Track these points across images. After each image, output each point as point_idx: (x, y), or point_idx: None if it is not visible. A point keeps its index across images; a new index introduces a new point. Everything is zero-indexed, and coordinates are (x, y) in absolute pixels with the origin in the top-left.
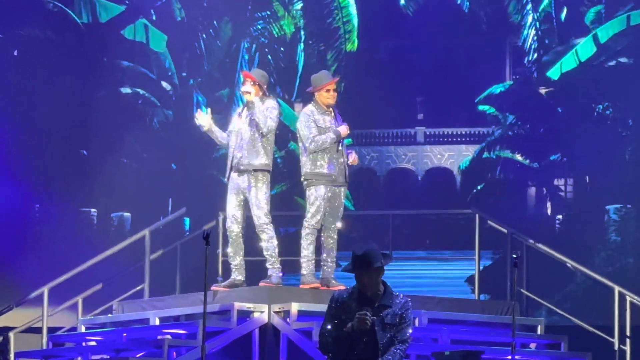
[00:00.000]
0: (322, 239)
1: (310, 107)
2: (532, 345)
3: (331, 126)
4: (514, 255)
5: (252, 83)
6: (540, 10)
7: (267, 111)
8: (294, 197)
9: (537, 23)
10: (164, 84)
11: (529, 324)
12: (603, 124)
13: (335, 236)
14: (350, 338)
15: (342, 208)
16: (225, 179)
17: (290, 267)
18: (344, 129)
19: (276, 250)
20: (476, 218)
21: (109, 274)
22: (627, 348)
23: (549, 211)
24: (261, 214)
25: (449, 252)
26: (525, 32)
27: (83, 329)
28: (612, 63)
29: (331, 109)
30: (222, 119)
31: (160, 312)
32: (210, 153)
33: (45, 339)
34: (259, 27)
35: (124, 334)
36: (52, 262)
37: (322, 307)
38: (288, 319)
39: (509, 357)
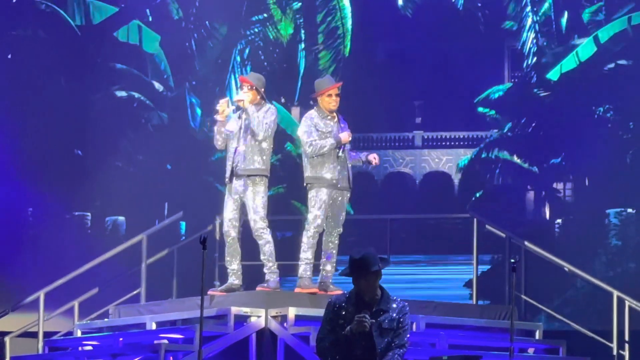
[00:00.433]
0: (323, 243)
1: (312, 111)
2: (531, 350)
3: (332, 131)
4: (512, 260)
5: (249, 87)
6: (540, 14)
7: (264, 117)
8: (291, 201)
9: (537, 26)
10: (159, 86)
11: (527, 329)
12: (603, 126)
13: (336, 241)
14: (347, 343)
15: (344, 213)
16: (225, 182)
17: (287, 271)
18: (345, 136)
19: (273, 255)
20: (474, 222)
21: (105, 278)
22: (626, 353)
23: (548, 215)
24: (258, 219)
25: (447, 257)
26: (525, 35)
27: (79, 334)
28: (613, 65)
29: (335, 114)
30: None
31: (157, 316)
32: (206, 157)
33: (41, 344)
34: (256, 29)
35: (121, 339)
36: (47, 266)
37: (320, 312)
38: (285, 324)
39: None
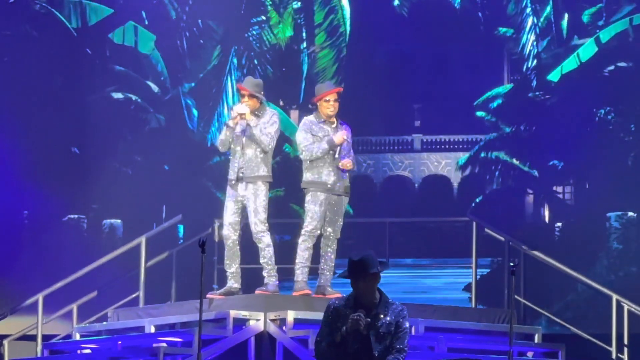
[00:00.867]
0: (321, 247)
1: (311, 116)
2: (530, 354)
3: (328, 136)
4: (512, 264)
5: (248, 95)
6: (542, 18)
7: (267, 127)
8: (289, 204)
9: (537, 29)
10: (156, 88)
11: (526, 333)
12: (605, 129)
13: (335, 246)
14: (345, 345)
15: (342, 219)
16: (230, 184)
17: (286, 274)
18: (338, 137)
19: (273, 258)
20: (473, 226)
21: (103, 282)
22: (625, 357)
23: (548, 218)
24: (258, 222)
25: (446, 260)
26: (525, 37)
27: (78, 337)
28: (614, 67)
29: (334, 119)
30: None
31: (156, 319)
32: (204, 159)
33: (40, 347)
34: (254, 32)
35: (119, 342)
36: (45, 269)
37: (318, 315)
38: (284, 327)
39: None
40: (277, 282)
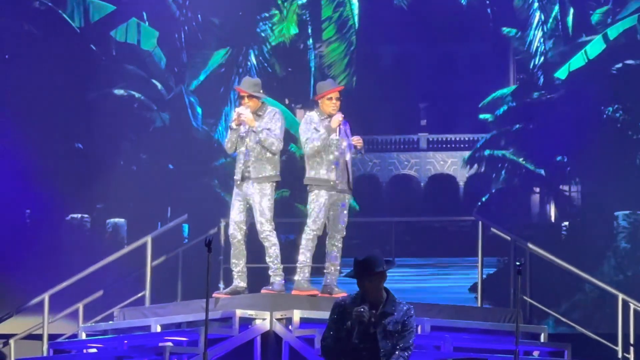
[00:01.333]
0: (327, 246)
1: (312, 113)
2: (536, 353)
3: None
4: (518, 263)
5: (248, 96)
6: (549, 16)
7: (273, 129)
8: (294, 204)
9: (544, 27)
10: (159, 86)
11: (532, 332)
12: (612, 127)
13: (340, 244)
14: (351, 344)
15: (346, 216)
16: (235, 184)
17: (292, 274)
18: (334, 120)
19: (279, 258)
20: (479, 225)
21: (109, 281)
22: (631, 356)
23: (555, 218)
24: (264, 221)
25: (452, 259)
26: (532, 33)
27: (84, 336)
28: (621, 64)
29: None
30: (217, 120)
31: (162, 319)
32: (209, 158)
33: (46, 346)
34: (259, 30)
35: (125, 341)
36: (49, 269)
37: (324, 315)
38: (290, 326)
39: None
40: (283, 281)
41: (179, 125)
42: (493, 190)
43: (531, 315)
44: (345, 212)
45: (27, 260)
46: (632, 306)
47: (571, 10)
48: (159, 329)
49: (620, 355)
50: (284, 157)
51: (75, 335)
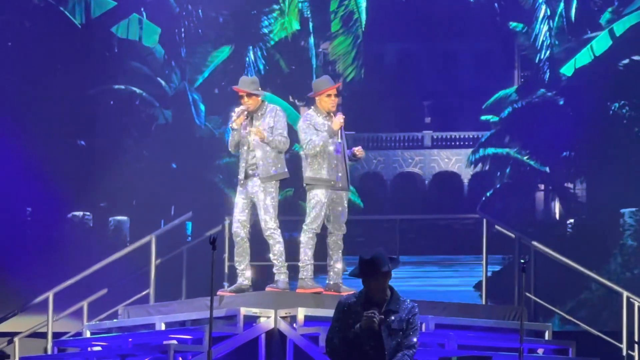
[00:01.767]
0: (329, 244)
1: (310, 111)
2: (540, 351)
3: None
4: (522, 260)
5: (247, 95)
6: (555, 12)
7: (278, 129)
8: (298, 202)
9: (550, 22)
10: (162, 83)
11: (536, 329)
12: (619, 123)
13: (341, 242)
14: (356, 342)
15: (346, 212)
16: (239, 183)
17: (297, 272)
18: (335, 122)
19: (283, 255)
20: (483, 223)
21: (113, 279)
22: (636, 354)
23: (560, 215)
24: (269, 219)
25: (456, 257)
26: (537, 27)
27: (88, 334)
28: (628, 60)
29: (332, 115)
30: (222, 118)
31: (166, 317)
32: (212, 156)
33: (50, 344)
34: (261, 26)
35: (130, 339)
36: (52, 267)
37: (329, 313)
38: (294, 324)
39: None
40: (288, 279)
41: (182, 123)
42: (497, 188)
43: (537, 314)
44: (345, 209)
45: (29, 258)
46: (636, 304)
47: (574, 5)
48: (163, 327)
49: (624, 353)
50: (287, 155)
51: (79, 334)
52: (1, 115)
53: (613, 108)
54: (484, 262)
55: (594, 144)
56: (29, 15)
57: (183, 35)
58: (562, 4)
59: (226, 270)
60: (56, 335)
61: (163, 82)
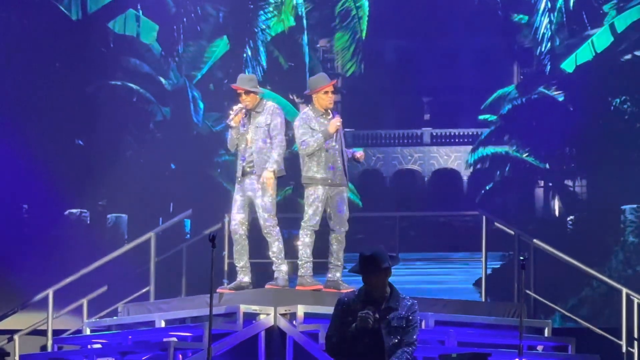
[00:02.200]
0: (331, 241)
1: (307, 110)
2: (540, 348)
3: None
4: (521, 257)
5: (245, 93)
6: (555, 7)
7: (276, 127)
8: (297, 199)
9: (551, 14)
10: (162, 80)
11: (536, 326)
12: (620, 118)
13: (342, 238)
14: (355, 340)
15: (347, 209)
16: (237, 181)
17: (296, 269)
18: (332, 125)
19: (282, 253)
20: (483, 220)
21: (113, 277)
22: (635, 350)
23: (560, 212)
24: (267, 216)
25: (456, 254)
26: (538, 20)
27: (88, 332)
28: (630, 56)
29: (329, 112)
30: (220, 116)
31: (166, 314)
32: (211, 153)
33: (50, 342)
34: (259, 22)
35: (130, 337)
36: (51, 264)
37: (329, 310)
38: (294, 322)
39: None
40: (287, 276)
41: (180, 120)
42: (497, 185)
43: (539, 311)
44: (345, 205)
45: (28, 256)
46: (635, 300)
47: (577, 3)
48: (163, 325)
49: (624, 350)
50: (287, 152)
51: (79, 331)
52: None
53: (614, 103)
54: (483, 259)
55: (595, 139)
56: (23, 11)
57: (182, 30)
58: (560, 1)
59: (226, 268)
60: (56, 332)
61: (161, 79)
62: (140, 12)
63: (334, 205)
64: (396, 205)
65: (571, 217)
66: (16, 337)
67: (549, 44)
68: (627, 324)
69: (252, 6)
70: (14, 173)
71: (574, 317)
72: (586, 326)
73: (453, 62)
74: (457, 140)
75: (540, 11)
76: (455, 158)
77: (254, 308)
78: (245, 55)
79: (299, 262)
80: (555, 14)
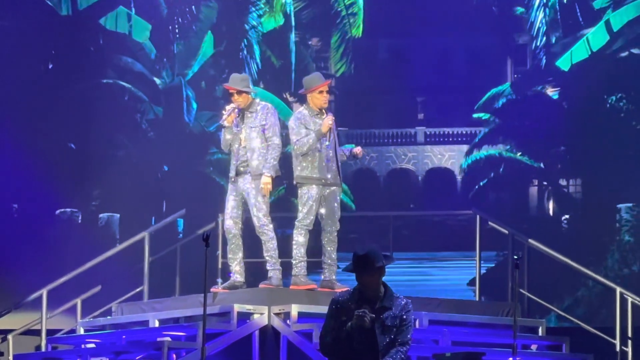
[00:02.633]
0: (323, 241)
1: (302, 109)
2: (534, 347)
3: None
4: (515, 257)
5: (237, 93)
6: (548, 3)
7: (267, 124)
8: (291, 198)
9: (546, 9)
10: (155, 79)
11: (530, 326)
12: (616, 116)
13: (335, 238)
14: (349, 339)
15: (339, 209)
16: (230, 180)
17: (290, 268)
18: (324, 125)
19: (276, 252)
20: (477, 219)
21: (107, 276)
22: (629, 349)
23: (554, 211)
24: (261, 216)
25: (450, 253)
26: (534, 14)
27: (82, 331)
28: (626, 53)
29: (324, 112)
30: (213, 115)
31: (160, 314)
32: (203, 152)
33: (44, 342)
34: (251, 19)
35: (123, 336)
36: (44, 264)
37: (323, 309)
38: (288, 321)
39: (510, 359)
40: (281, 275)
41: (172, 118)
42: (491, 183)
43: (533, 311)
44: (338, 205)
45: (20, 256)
46: (629, 299)
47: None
48: (157, 324)
49: (618, 349)
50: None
51: (73, 331)
52: None
53: (610, 101)
54: (477, 258)
55: (590, 137)
56: (11, 6)
57: (174, 29)
58: None
59: (219, 267)
60: (50, 332)
61: (154, 78)
62: (133, 10)
63: (327, 205)
64: (390, 204)
65: (566, 216)
66: (10, 337)
67: (544, 39)
68: (621, 322)
69: (244, 3)
70: (3, 172)
71: (567, 316)
72: (580, 325)
73: (447, 61)
74: (451, 139)
75: (536, 6)
76: (450, 157)
77: (247, 307)
78: (241, 54)
79: (293, 262)
80: (548, 10)
